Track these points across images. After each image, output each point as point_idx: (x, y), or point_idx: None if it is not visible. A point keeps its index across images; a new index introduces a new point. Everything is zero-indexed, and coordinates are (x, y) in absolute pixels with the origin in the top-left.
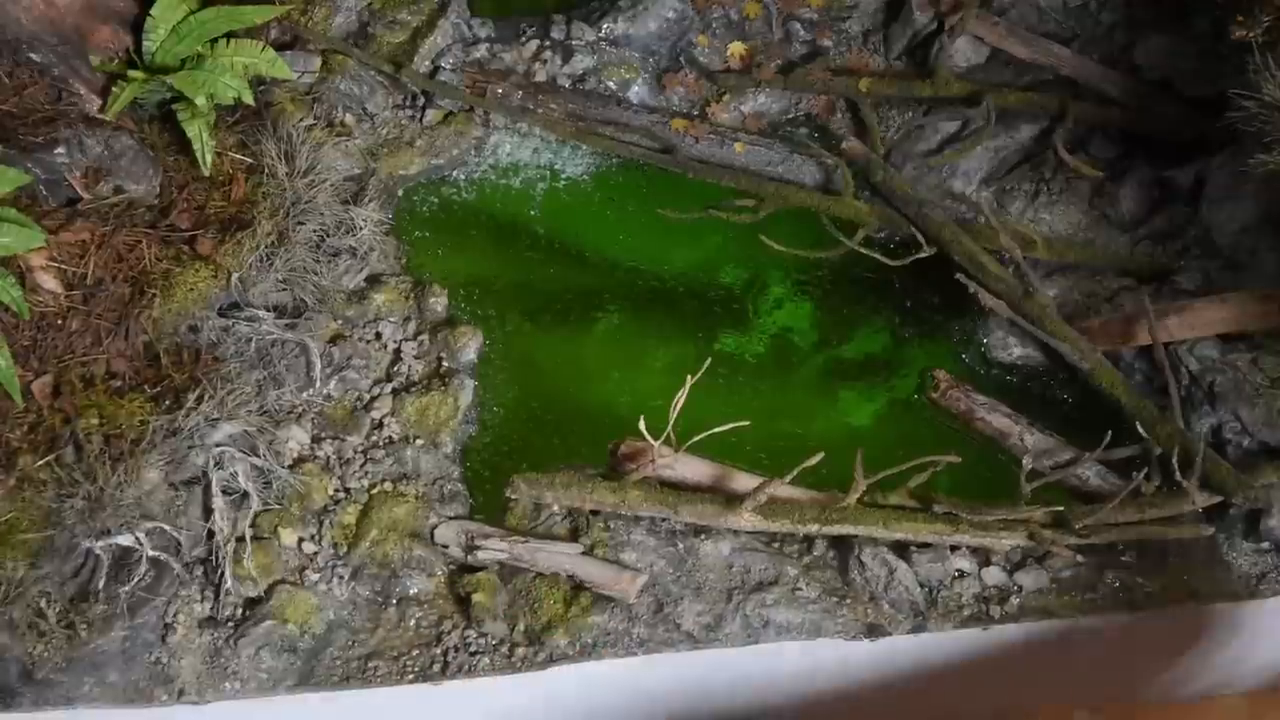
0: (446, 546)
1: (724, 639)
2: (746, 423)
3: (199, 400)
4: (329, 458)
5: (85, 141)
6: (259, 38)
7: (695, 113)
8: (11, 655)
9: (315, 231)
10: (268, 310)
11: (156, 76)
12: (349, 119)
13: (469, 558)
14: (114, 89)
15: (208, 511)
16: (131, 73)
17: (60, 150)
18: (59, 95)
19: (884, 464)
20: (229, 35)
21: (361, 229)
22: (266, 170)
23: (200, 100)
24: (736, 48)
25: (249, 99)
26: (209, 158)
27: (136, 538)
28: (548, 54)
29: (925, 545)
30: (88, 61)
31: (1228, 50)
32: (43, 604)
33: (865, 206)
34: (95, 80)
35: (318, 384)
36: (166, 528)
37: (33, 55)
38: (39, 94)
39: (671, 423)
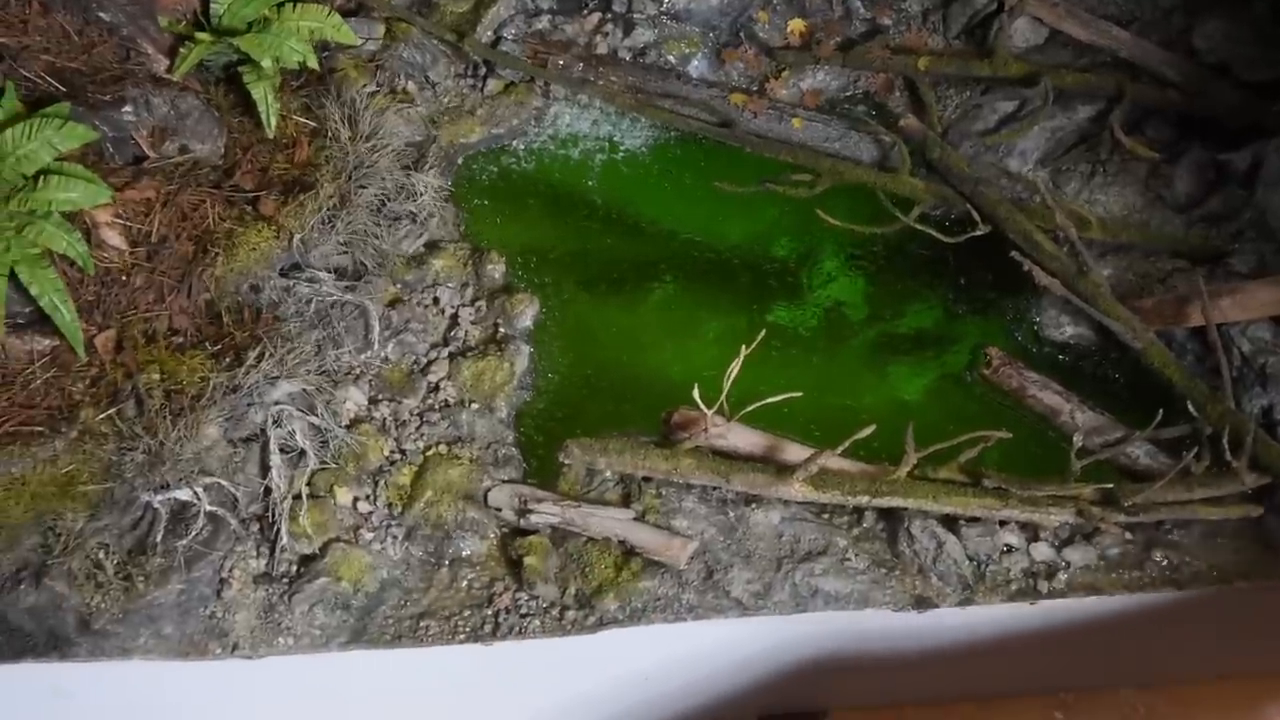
0: (499, 509)
1: (773, 607)
2: (799, 394)
3: (259, 358)
4: (385, 419)
5: (152, 101)
6: (325, 3)
7: (754, 88)
8: (69, 605)
9: (376, 196)
10: (328, 272)
11: (223, 39)
12: (411, 86)
13: (521, 521)
14: (181, 50)
15: (265, 469)
16: (199, 34)
17: (128, 109)
18: (127, 54)
19: (934, 438)
20: (296, 0)
21: (422, 195)
22: (329, 134)
23: (266, 63)
24: (796, 24)
25: (314, 63)
26: (273, 120)
27: (195, 492)
28: (609, 27)
29: (974, 519)
30: (156, 22)
31: None
32: (101, 555)
33: (921, 184)
34: (163, 40)
35: (376, 346)
36: (224, 483)
37: (102, 14)
38: (107, 53)
39: (725, 393)
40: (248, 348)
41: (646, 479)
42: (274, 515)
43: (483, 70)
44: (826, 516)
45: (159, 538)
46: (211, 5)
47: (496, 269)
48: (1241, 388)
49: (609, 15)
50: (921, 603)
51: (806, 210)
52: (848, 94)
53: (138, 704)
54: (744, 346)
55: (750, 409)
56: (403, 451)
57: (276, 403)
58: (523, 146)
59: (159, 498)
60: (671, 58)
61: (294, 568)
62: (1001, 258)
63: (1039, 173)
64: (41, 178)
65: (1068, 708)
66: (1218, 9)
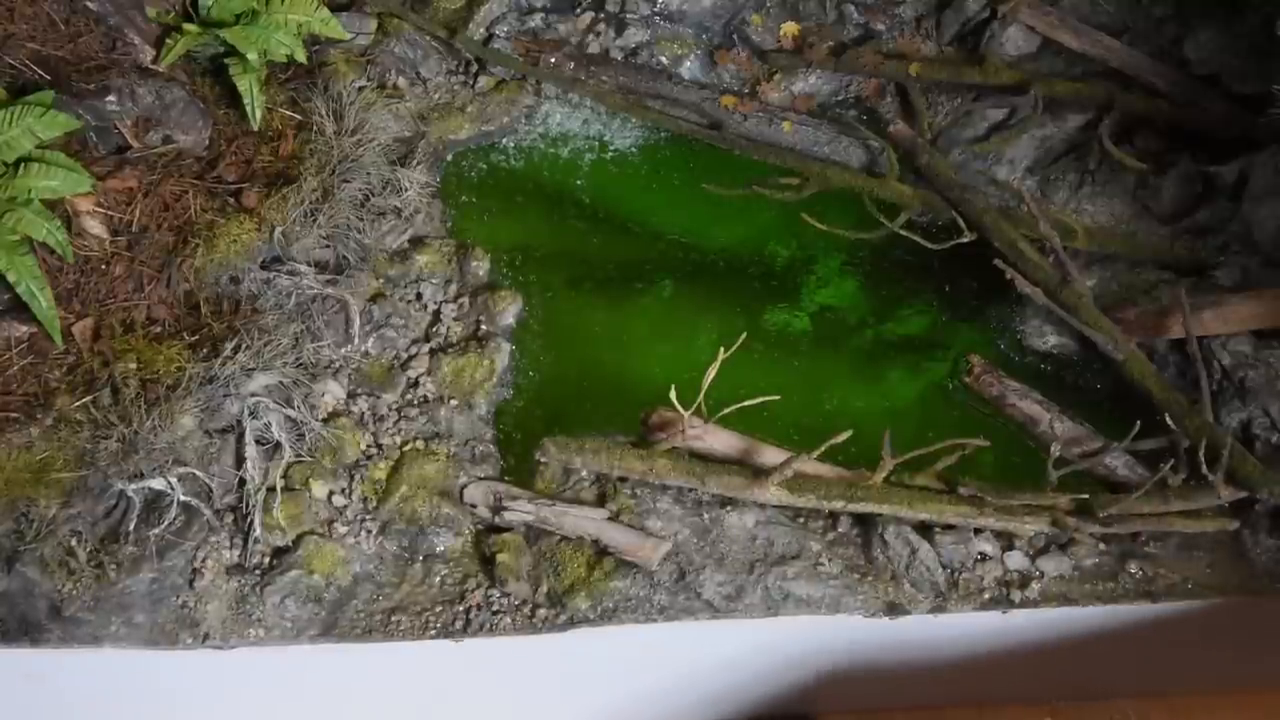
0: (475, 506)
1: (744, 610)
2: (776, 397)
3: (236, 350)
4: (363, 413)
5: (137, 91)
6: None
7: (745, 90)
8: (41, 592)
9: (360, 190)
10: (309, 265)
11: (210, 30)
12: (402, 82)
13: (496, 518)
14: (168, 40)
15: (240, 460)
16: (186, 25)
17: (112, 98)
18: (113, 44)
19: (915, 445)
20: None
21: (407, 190)
22: (315, 127)
23: (252, 55)
24: (789, 27)
25: (301, 56)
26: (258, 112)
27: (168, 482)
28: (601, 26)
29: (949, 527)
30: (143, 12)
31: (1277, 47)
32: (74, 543)
33: (909, 190)
34: (150, 31)
35: (356, 340)
36: (198, 474)
37: (89, 3)
38: (93, 42)
39: (703, 394)
40: (225, 339)
41: (622, 479)
42: (248, 507)
43: (474, 67)
44: (801, 521)
45: (132, 526)
46: None
47: (481, 266)
48: (1220, 401)
49: (602, 15)
50: (893, 609)
51: (795, 214)
52: (839, 98)
53: (109, 689)
54: (722, 349)
55: (727, 411)
56: (379, 446)
57: (253, 394)
58: (512, 144)
59: (133, 486)
60: (664, 58)
61: (267, 559)
62: (987, 266)
63: (1026, 181)
64: (22, 165)
65: (1059, 714)
66: (1210, 19)
